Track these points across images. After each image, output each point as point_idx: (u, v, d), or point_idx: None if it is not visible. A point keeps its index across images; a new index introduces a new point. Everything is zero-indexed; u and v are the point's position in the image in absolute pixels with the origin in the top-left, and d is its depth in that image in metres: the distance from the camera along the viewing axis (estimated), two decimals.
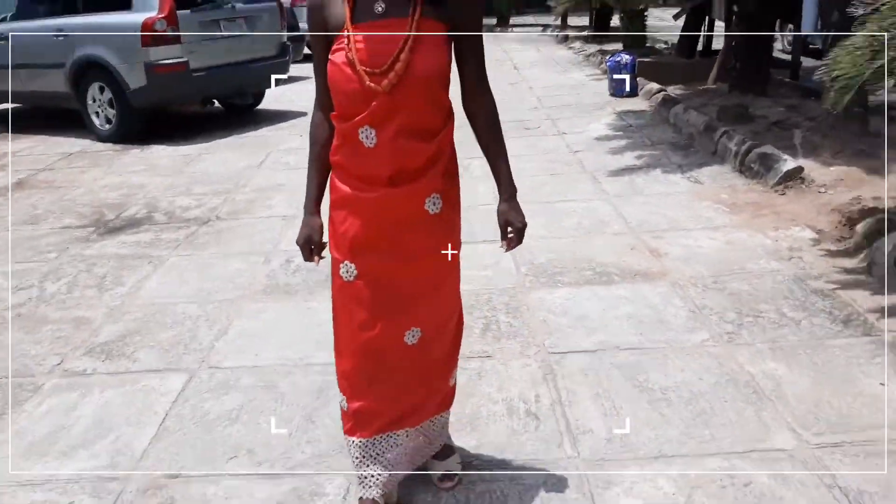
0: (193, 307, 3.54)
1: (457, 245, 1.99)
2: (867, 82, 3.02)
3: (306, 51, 11.44)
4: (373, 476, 2.03)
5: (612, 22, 13.10)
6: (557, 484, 2.20)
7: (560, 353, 2.95)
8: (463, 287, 3.52)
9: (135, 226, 4.80)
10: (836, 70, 3.16)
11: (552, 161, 5.77)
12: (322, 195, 1.98)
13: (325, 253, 1.99)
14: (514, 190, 1.98)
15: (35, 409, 2.77)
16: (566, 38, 13.77)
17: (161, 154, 6.82)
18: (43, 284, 3.94)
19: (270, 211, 4.92)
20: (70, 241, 4.58)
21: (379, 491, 2.04)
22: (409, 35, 1.68)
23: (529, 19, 18.65)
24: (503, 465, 2.31)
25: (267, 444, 2.47)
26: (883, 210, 3.95)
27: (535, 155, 5.97)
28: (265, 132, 7.49)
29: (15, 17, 8.19)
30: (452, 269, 2.02)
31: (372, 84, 1.68)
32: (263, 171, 5.93)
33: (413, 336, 1.95)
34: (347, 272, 1.89)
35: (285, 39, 8.46)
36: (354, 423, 2.02)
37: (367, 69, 1.68)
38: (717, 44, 9.08)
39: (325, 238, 1.97)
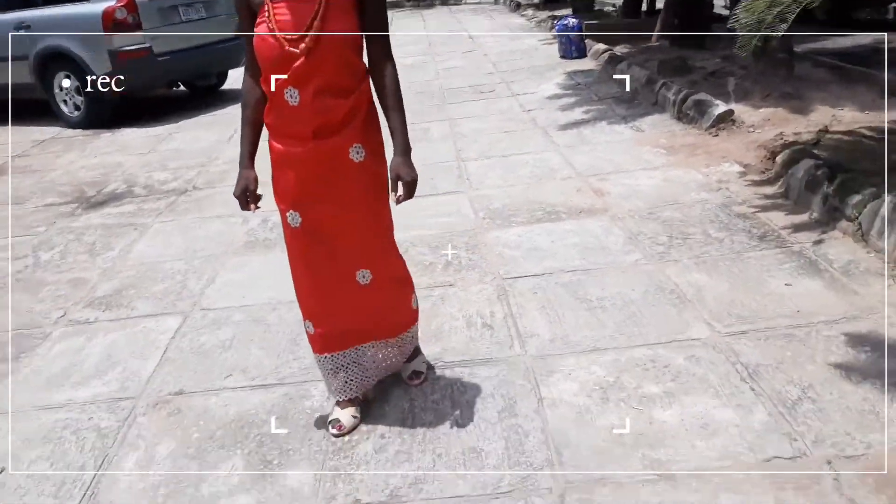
0: (181, 263, 3.87)
1: (384, 190, 2.23)
2: (769, 26, 3.40)
3: None
4: (347, 381, 2.39)
5: None
6: (508, 374, 2.60)
7: (513, 278, 3.34)
8: (427, 232, 3.95)
9: (117, 199, 5.09)
10: (742, 18, 3.55)
11: (507, 120, 6.14)
12: (255, 151, 2.25)
13: (262, 203, 2.27)
14: (407, 148, 2.15)
15: (47, 353, 3.10)
16: (518, 6, 14.09)
17: (132, 136, 7.07)
18: (37, 254, 4.24)
19: None
20: (56, 217, 4.86)
21: (353, 392, 2.40)
22: (319, 5, 1.96)
23: None
24: (463, 363, 2.70)
25: (259, 364, 2.84)
26: (801, 143, 4.38)
27: (491, 115, 6.33)
28: (230, 110, 7.75)
29: None
30: (384, 211, 2.27)
31: (291, 48, 1.97)
32: (233, 145, 6.21)
33: (364, 277, 2.25)
34: (293, 220, 2.20)
35: None
36: (322, 343, 2.35)
37: (286, 36, 1.98)
38: (661, 3, 9.48)
39: (260, 190, 2.26)
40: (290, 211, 2.20)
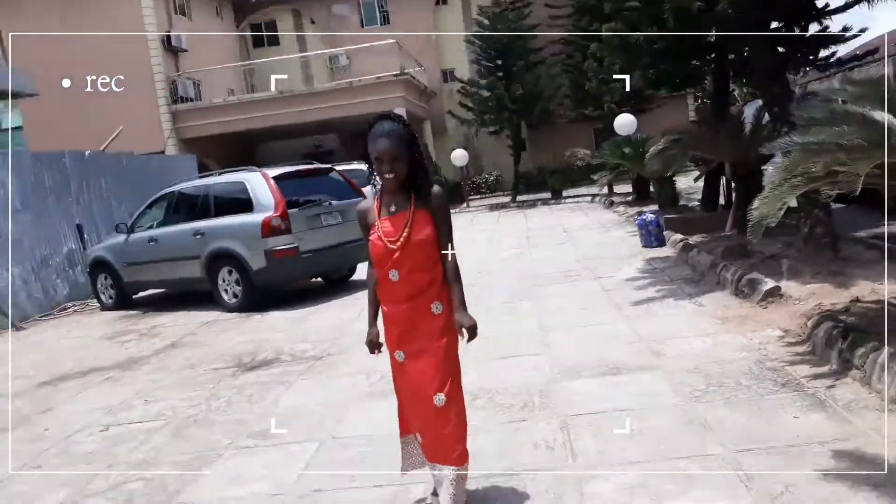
0: (319, 407, 4.98)
1: (455, 332, 3.19)
2: (772, 217, 4.35)
3: None
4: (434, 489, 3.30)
5: (651, 186, 14.79)
6: (560, 478, 3.43)
7: (574, 415, 4.20)
8: (510, 384, 4.88)
9: (267, 364, 6.38)
10: (757, 213, 4.53)
11: (588, 297, 7.16)
12: (377, 314, 3.33)
13: (384, 348, 3.31)
14: (463, 304, 3.14)
15: (221, 466, 4.19)
16: (612, 203, 15.54)
17: (278, 317, 8.56)
18: (209, 403, 5.47)
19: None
20: (221, 377, 6.16)
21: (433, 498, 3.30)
22: (408, 221, 3.11)
23: (583, 190, 20.68)
24: (527, 470, 3.55)
25: (377, 472, 3.79)
26: (833, 311, 5.11)
27: (574, 294, 7.38)
28: (358, 295, 9.18)
29: (161, 224, 10.52)
30: (455, 348, 3.22)
31: (391, 246, 3.11)
32: (360, 322, 7.44)
33: (440, 400, 3.15)
34: (399, 356, 3.22)
35: None
36: (425, 452, 3.30)
37: (389, 240, 3.11)
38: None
39: (381, 339, 3.31)
40: (397, 350, 3.25)
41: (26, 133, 18.18)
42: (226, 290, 9.51)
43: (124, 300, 11.24)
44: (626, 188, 16.69)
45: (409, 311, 3.15)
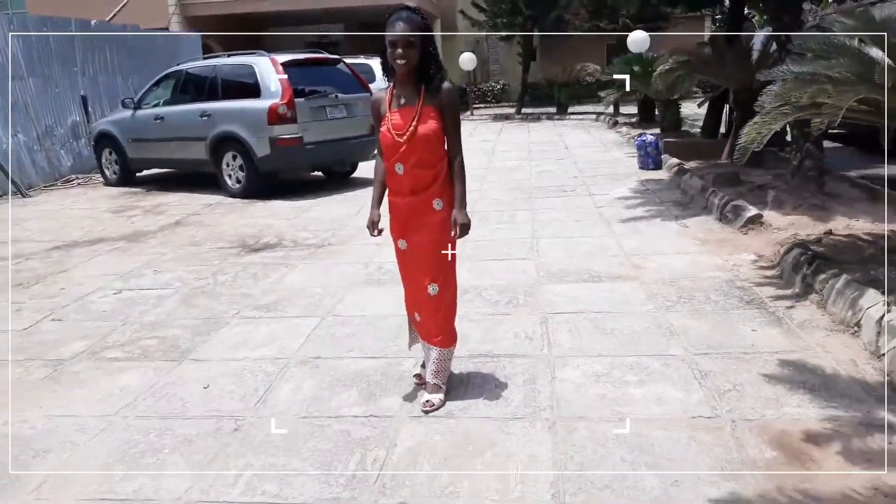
0: (319, 289, 5.34)
1: (450, 227, 3.43)
2: (757, 143, 4.62)
3: None
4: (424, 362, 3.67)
5: (656, 110, 14.86)
6: (535, 363, 3.83)
7: (554, 313, 4.58)
8: (498, 282, 5.26)
9: (270, 248, 6.72)
10: (744, 136, 4.79)
11: (580, 213, 7.47)
12: (381, 200, 3.54)
13: (384, 232, 3.55)
14: (463, 203, 3.31)
15: (228, 332, 4.58)
16: (616, 123, 15.61)
17: (280, 206, 8.86)
18: (215, 277, 5.84)
19: (367, 240, 6.69)
20: (226, 255, 6.51)
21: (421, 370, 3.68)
22: (416, 114, 3.28)
23: (589, 108, 20.64)
24: (507, 356, 3.95)
25: (370, 346, 4.19)
26: (805, 240, 5.45)
27: (568, 209, 7.68)
28: (359, 192, 9.48)
29: (168, 103, 10.63)
30: (451, 241, 3.45)
31: (398, 139, 3.30)
32: (360, 217, 7.82)
33: (433, 289, 3.48)
34: (402, 245, 3.49)
35: None
36: (418, 331, 3.68)
37: (396, 133, 3.30)
38: None
39: (381, 224, 3.53)
40: (400, 239, 3.54)
41: None
42: (230, 175, 9.76)
43: (128, 176, 11.48)
44: (632, 109, 16.74)
45: (412, 205, 3.37)
